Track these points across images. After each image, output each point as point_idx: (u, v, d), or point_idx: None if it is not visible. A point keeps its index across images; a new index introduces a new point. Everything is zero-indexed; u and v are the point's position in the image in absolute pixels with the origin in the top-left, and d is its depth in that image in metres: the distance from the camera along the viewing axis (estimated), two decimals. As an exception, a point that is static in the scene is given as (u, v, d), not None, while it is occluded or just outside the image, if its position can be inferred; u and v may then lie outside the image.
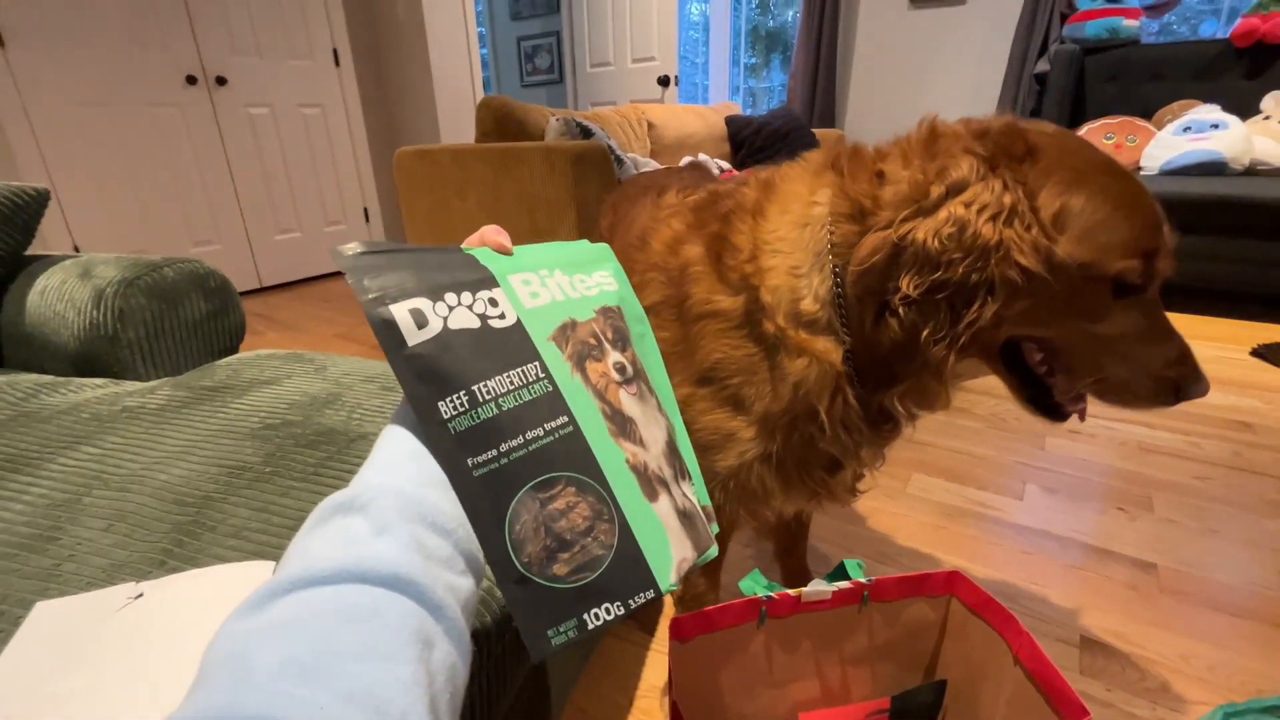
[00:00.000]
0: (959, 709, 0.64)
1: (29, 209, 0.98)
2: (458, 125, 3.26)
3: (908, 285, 0.46)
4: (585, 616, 0.32)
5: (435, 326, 0.33)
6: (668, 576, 0.35)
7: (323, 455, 0.62)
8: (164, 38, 2.54)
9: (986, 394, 1.61)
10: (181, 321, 0.94)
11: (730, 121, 3.21)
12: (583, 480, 0.34)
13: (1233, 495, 1.19)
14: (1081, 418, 0.57)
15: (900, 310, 0.48)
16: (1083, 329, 0.50)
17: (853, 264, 0.48)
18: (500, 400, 0.33)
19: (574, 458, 0.34)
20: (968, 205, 0.45)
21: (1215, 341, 1.93)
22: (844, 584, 0.61)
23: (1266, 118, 2.40)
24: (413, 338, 0.32)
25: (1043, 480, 1.26)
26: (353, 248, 0.34)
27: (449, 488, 0.32)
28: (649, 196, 0.82)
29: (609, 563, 0.33)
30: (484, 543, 0.32)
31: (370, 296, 0.32)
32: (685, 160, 2.76)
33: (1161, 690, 0.80)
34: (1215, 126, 2.33)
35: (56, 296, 0.91)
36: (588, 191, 1.83)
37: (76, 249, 2.44)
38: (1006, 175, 0.46)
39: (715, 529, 0.42)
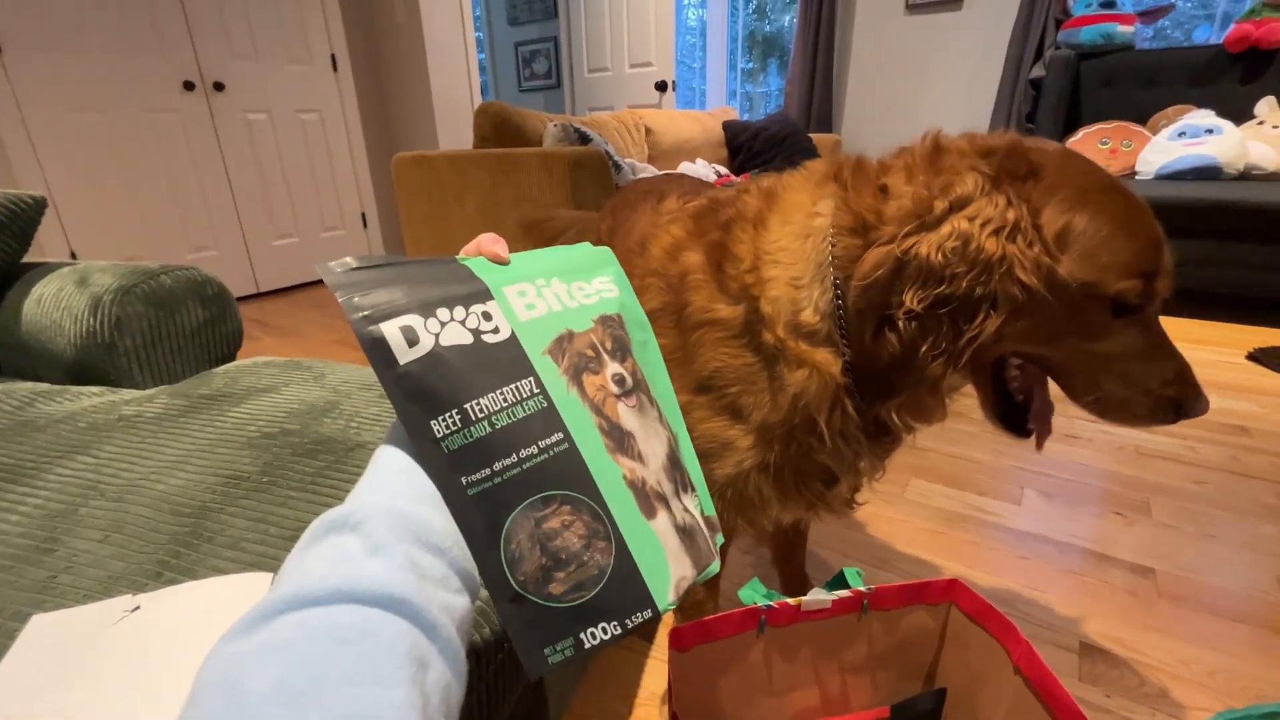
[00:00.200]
0: (959, 717, 0.64)
1: (25, 216, 0.98)
2: (455, 131, 3.27)
3: (911, 299, 0.46)
4: (582, 636, 0.32)
5: (427, 344, 0.32)
6: (665, 596, 0.34)
7: (321, 464, 0.62)
8: (161, 43, 2.54)
9: (984, 398, 1.61)
10: (179, 329, 0.93)
11: (728, 126, 3.22)
12: (578, 498, 0.33)
13: (1230, 500, 1.19)
14: (1040, 446, 0.58)
15: (901, 325, 0.48)
16: (1083, 348, 0.50)
17: (856, 278, 0.48)
18: (493, 418, 0.32)
19: (569, 475, 0.33)
20: (971, 220, 0.46)
21: (1211, 346, 1.94)
22: (843, 592, 0.61)
23: (1260, 123, 2.42)
24: (403, 356, 0.32)
25: (1040, 485, 1.26)
26: (341, 264, 0.34)
27: (443, 504, 0.32)
28: (649, 202, 0.83)
29: (605, 582, 0.33)
30: (479, 561, 0.31)
31: (360, 315, 0.32)
32: (682, 166, 2.76)
33: (1161, 696, 0.80)
34: (1210, 131, 2.35)
35: (53, 304, 0.91)
36: (586, 197, 1.84)
37: (73, 256, 2.43)
38: (1010, 192, 0.46)
39: (721, 540, 0.41)
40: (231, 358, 1.03)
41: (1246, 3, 2.67)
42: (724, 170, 2.89)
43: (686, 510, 0.39)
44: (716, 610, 0.62)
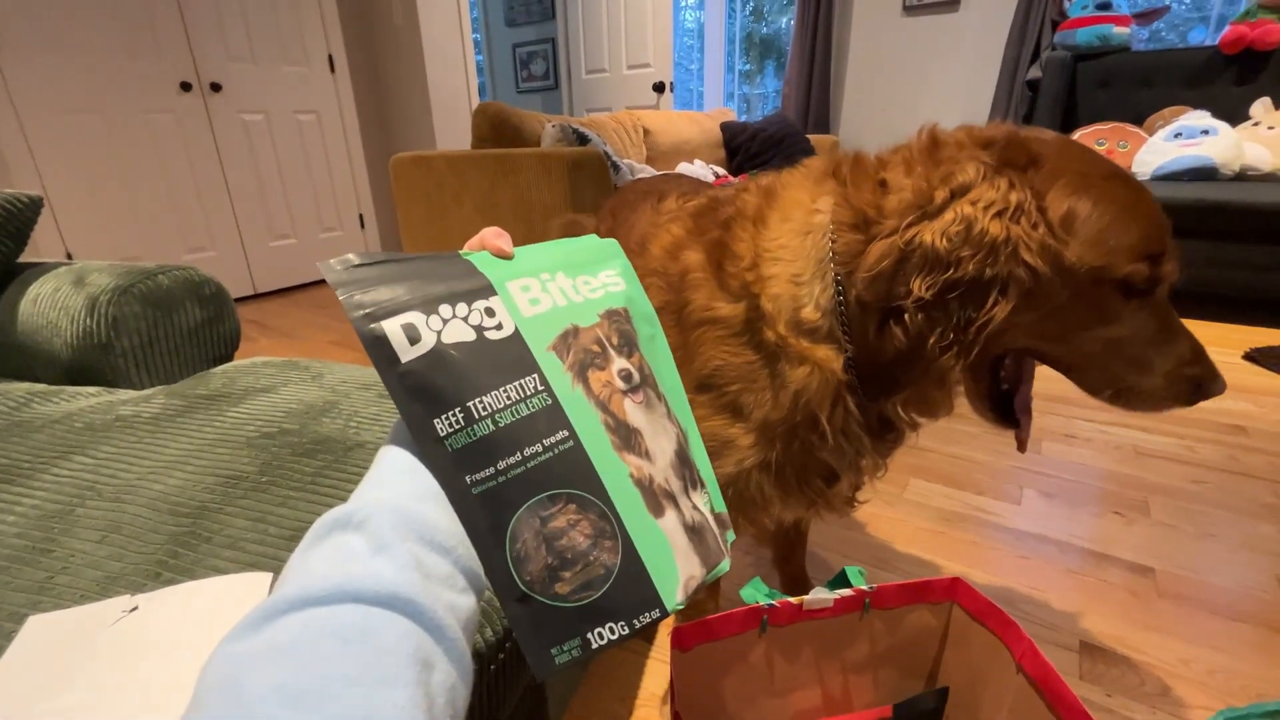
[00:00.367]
0: (961, 716, 0.64)
1: (22, 216, 0.98)
2: (453, 132, 3.26)
3: (919, 287, 0.46)
4: (589, 636, 0.32)
5: (429, 341, 0.32)
6: (674, 595, 0.34)
7: (320, 464, 0.62)
8: (158, 45, 2.53)
9: (983, 399, 1.61)
10: (176, 329, 0.93)
11: (726, 128, 3.23)
12: (584, 497, 0.33)
13: (1228, 499, 1.20)
14: (1023, 444, 0.59)
15: (907, 318, 0.47)
16: (1099, 337, 0.50)
17: (862, 270, 0.48)
18: (497, 416, 0.32)
19: (574, 474, 0.33)
20: (974, 204, 0.45)
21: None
22: (845, 591, 0.61)
23: (1255, 124, 2.43)
24: (405, 354, 0.31)
25: (1040, 485, 1.26)
26: (343, 261, 0.33)
27: (448, 502, 0.31)
28: (648, 202, 0.82)
29: (612, 581, 0.32)
30: (484, 561, 0.31)
31: (361, 313, 0.31)
32: (680, 167, 2.76)
33: (1161, 695, 0.80)
34: (1206, 132, 2.36)
35: (49, 304, 0.91)
36: (584, 197, 1.83)
37: (69, 256, 2.42)
38: (1013, 175, 0.46)
39: (732, 537, 0.41)
40: (229, 358, 1.02)
41: (1241, 4, 2.69)
42: (722, 171, 2.89)
43: (696, 508, 0.38)
44: (717, 610, 0.62)
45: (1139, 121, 2.71)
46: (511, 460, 0.32)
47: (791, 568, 0.95)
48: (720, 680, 0.62)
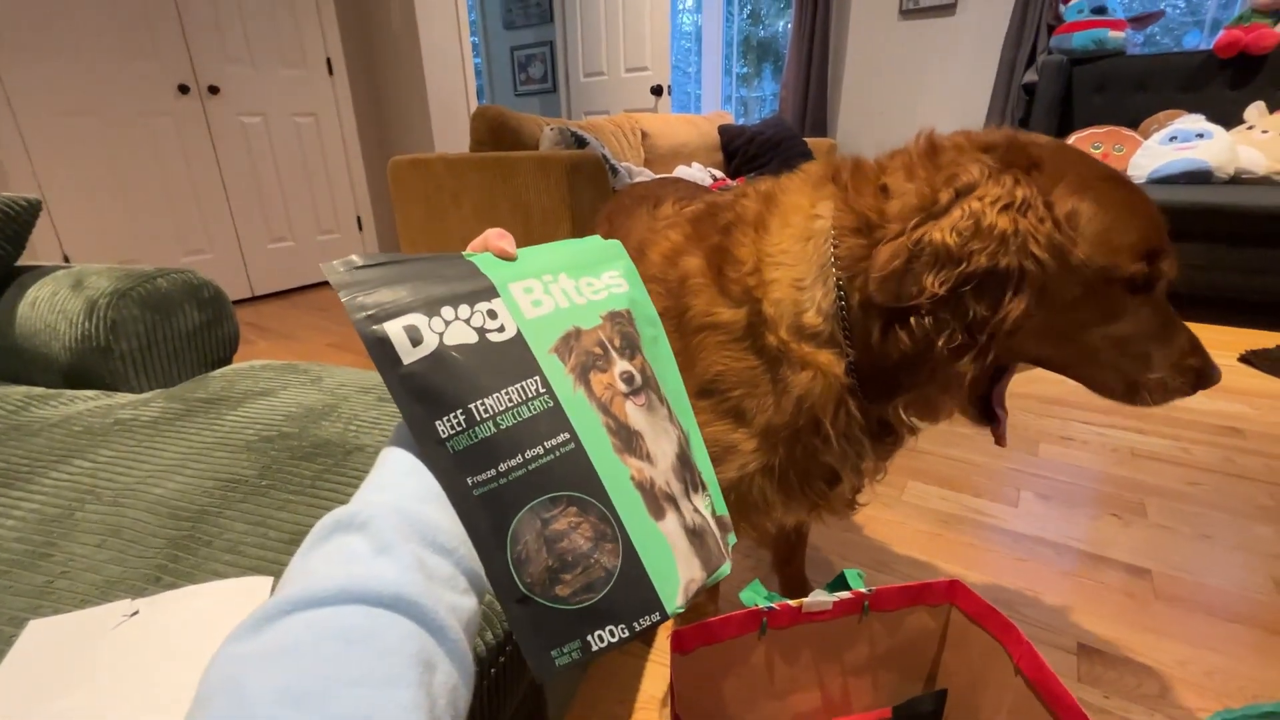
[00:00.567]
0: (960, 718, 0.64)
1: (20, 219, 0.98)
2: (451, 134, 3.27)
3: (932, 284, 0.46)
4: (589, 638, 0.32)
5: (431, 343, 0.32)
6: (674, 599, 0.34)
7: (320, 468, 0.62)
8: (156, 47, 2.53)
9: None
10: (175, 332, 0.93)
11: (723, 131, 3.24)
12: (585, 500, 0.33)
13: (1224, 500, 1.20)
14: (1002, 438, 0.59)
15: (913, 321, 0.48)
16: (1107, 337, 0.51)
17: (874, 271, 0.48)
18: (499, 418, 0.32)
19: (576, 477, 0.33)
20: (980, 199, 0.46)
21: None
22: (845, 594, 0.61)
23: (1250, 127, 2.44)
24: (407, 356, 0.32)
25: (1037, 487, 1.27)
26: (345, 263, 0.33)
27: (449, 503, 0.32)
28: (645, 207, 0.83)
29: (613, 584, 0.32)
30: (485, 562, 0.31)
31: (363, 314, 0.32)
32: (678, 170, 2.77)
33: (1159, 697, 0.80)
34: (1200, 136, 2.37)
35: (48, 308, 0.90)
36: (583, 200, 1.84)
37: (66, 259, 2.42)
38: (1018, 173, 0.47)
39: (733, 540, 0.41)
40: (228, 361, 1.02)
41: (1236, 9, 2.71)
42: (720, 174, 2.90)
43: (697, 511, 0.38)
44: (717, 613, 0.62)
45: (1134, 125, 2.72)
46: (513, 462, 0.32)
47: (791, 570, 0.96)
48: (720, 683, 0.62)
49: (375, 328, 0.32)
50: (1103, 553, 1.07)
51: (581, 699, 0.82)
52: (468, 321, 0.34)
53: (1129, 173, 2.54)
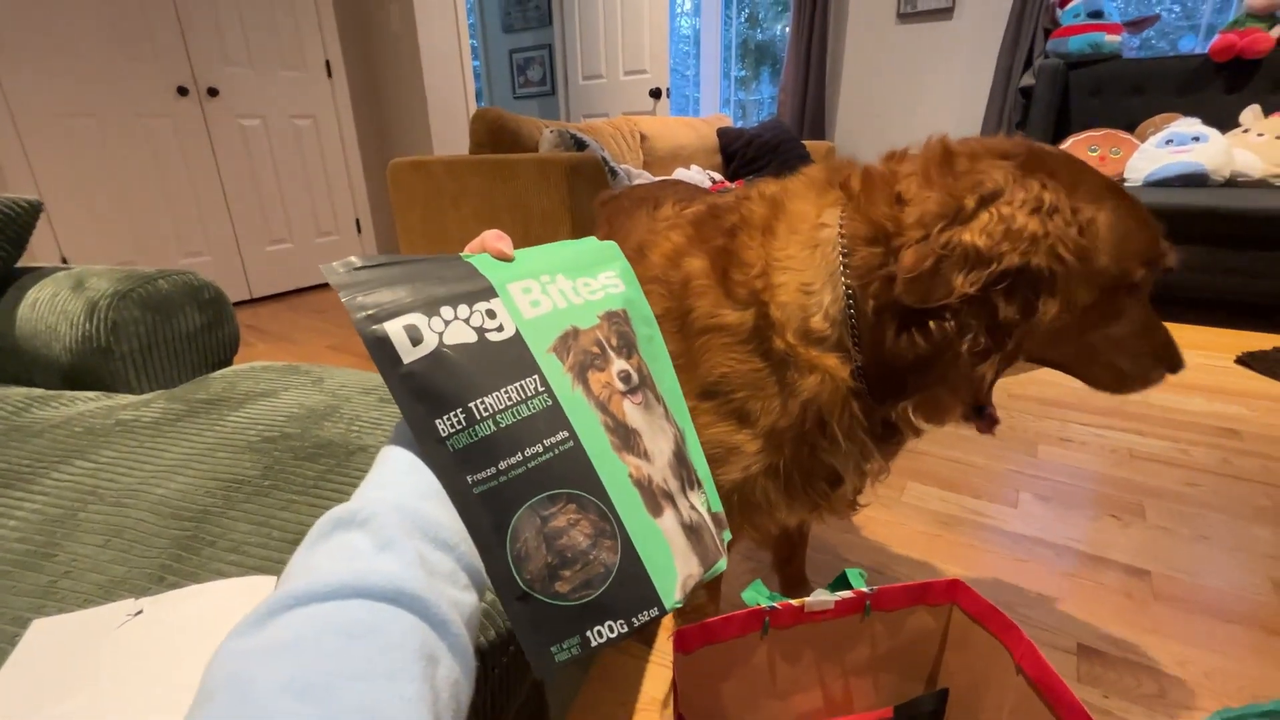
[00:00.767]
0: (961, 718, 0.64)
1: (20, 220, 0.98)
2: (450, 137, 3.27)
3: (963, 284, 0.46)
4: (588, 634, 0.32)
5: (431, 343, 0.32)
6: (672, 594, 0.34)
7: (322, 468, 0.62)
8: (155, 49, 2.53)
9: (979, 402, 1.62)
10: (175, 334, 0.93)
11: (722, 133, 3.25)
12: (584, 497, 0.33)
13: (1222, 502, 1.21)
14: (991, 428, 0.61)
15: (933, 324, 0.48)
16: (1106, 336, 0.54)
17: (902, 274, 0.48)
18: (498, 417, 0.32)
19: (575, 474, 0.33)
20: (1009, 204, 0.47)
21: (1201, 350, 1.96)
22: (846, 593, 0.61)
23: (1245, 130, 2.46)
24: (408, 355, 0.32)
25: (1036, 488, 1.27)
26: (345, 263, 0.33)
27: (450, 500, 0.32)
28: (644, 209, 0.83)
29: (611, 580, 0.33)
30: (485, 560, 0.31)
31: (364, 314, 0.32)
32: (677, 172, 2.78)
33: (1158, 697, 0.80)
34: (1196, 139, 2.38)
35: (48, 309, 0.90)
36: (583, 202, 1.84)
37: (65, 260, 2.41)
38: (1043, 178, 0.48)
39: (728, 536, 0.41)
40: (228, 362, 1.02)
41: (1231, 13, 2.72)
42: (719, 176, 2.91)
43: (693, 508, 0.39)
44: (719, 613, 0.62)
45: (1131, 128, 2.74)
46: (512, 460, 0.32)
47: (791, 570, 0.96)
48: (722, 682, 0.62)
49: (375, 327, 0.32)
50: (1102, 554, 1.07)
51: (583, 700, 0.82)
52: (467, 321, 0.34)
53: (1126, 175, 2.56)
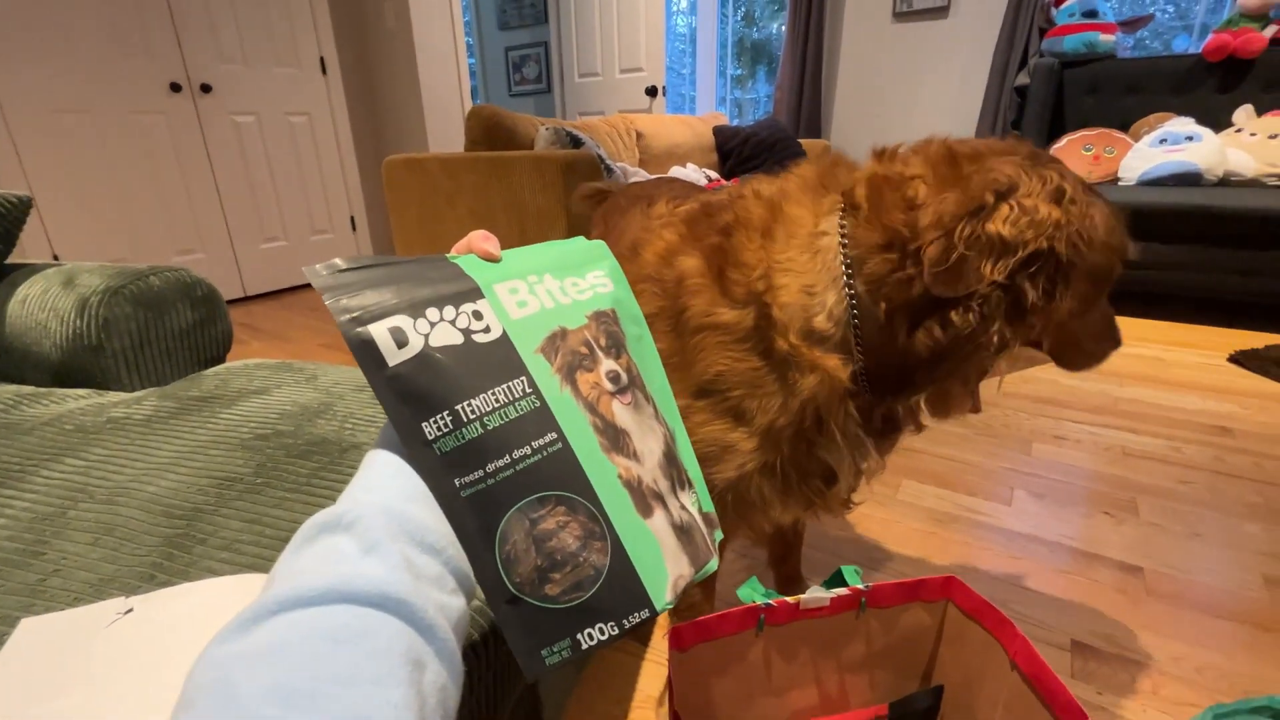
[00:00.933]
0: (957, 714, 0.64)
1: (10, 216, 0.97)
2: (445, 134, 3.26)
3: (991, 271, 0.47)
4: (579, 636, 0.32)
5: (416, 345, 0.32)
6: (663, 595, 0.34)
7: (315, 466, 0.61)
8: (148, 45, 2.51)
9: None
10: (168, 331, 0.92)
11: (718, 132, 3.25)
12: (573, 499, 0.33)
13: (1215, 499, 1.21)
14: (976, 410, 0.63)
15: (954, 315, 0.49)
16: (1085, 322, 0.57)
17: (929, 268, 0.49)
18: (486, 419, 0.32)
19: (563, 476, 0.33)
20: (1028, 195, 0.48)
21: (1193, 348, 1.97)
22: (842, 590, 0.61)
23: (1239, 130, 2.47)
24: (393, 358, 0.31)
25: (1030, 486, 1.28)
26: (328, 266, 0.33)
27: (437, 504, 0.31)
28: (638, 207, 0.83)
29: (602, 582, 0.33)
30: (474, 563, 0.31)
31: (348, 317, 0.31)
32: (673, 170, 2.78)
33: (1151, 693, 0.81)
34: (1190, 139, 2.39)
35: (38, 305, 0.90)
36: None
37: (56, 257, 2.39)
38: (1058, 168, 0.50)
39: (720, 535, 0.41)
40: (221, 360, 1.01)
41: (1224, 13, 2.74)
42: (714, 174, 2.91)
43: (684, 508, 0.39)
44: (714, 610, 0.62)
45: (1125, 127, 2.75)
46: (500, 463, 0.32)
47: (787, 568, 0.96)
48: (717, 680, 0.62)
49: (360, 330, 0.31)
50: (1095, 550, 1.07)
51: (577, 699, 0.82)
52: (453, 323, 0.34)
53: (1120, 175, 2.57)
